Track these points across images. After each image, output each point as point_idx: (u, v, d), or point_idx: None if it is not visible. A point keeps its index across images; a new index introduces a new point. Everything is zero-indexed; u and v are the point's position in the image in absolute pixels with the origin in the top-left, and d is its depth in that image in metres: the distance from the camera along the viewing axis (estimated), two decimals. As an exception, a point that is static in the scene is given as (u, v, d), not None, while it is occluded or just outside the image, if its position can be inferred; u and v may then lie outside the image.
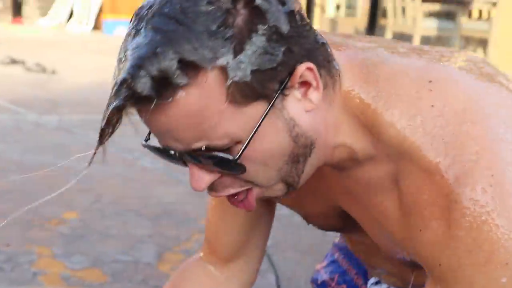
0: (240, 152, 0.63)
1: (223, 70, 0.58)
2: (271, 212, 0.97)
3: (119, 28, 8.52)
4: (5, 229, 1.91)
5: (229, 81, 0.59)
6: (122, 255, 2.32)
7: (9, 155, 3.29)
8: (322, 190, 0.85)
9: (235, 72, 0.59)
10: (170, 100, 0.57)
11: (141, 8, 0.63)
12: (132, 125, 0.67)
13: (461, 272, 0.66)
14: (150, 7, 0.61)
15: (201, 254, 1.03)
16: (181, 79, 0.56)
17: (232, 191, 0.70)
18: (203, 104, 0.59)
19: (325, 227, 0.97)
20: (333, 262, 1.18)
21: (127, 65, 0.59)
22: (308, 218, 0.96)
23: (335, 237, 1.23)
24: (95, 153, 0.63)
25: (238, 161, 0.63)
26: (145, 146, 0.71)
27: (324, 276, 1.18)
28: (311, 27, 0.66)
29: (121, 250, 2.37)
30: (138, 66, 0.57)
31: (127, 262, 2.27)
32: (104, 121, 0.60)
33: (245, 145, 0.63)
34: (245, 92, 0.60)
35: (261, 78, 0.61)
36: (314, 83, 0.64)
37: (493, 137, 0.64)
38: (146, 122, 0.64)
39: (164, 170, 3.23)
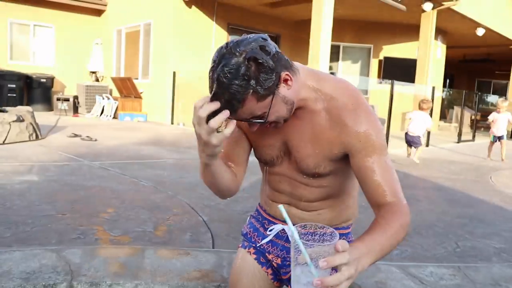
0: (265, 118, 1.00)
1: (254, 92, 0.93)
2: (250, 150, 1.25)
3: (126, 117, 10.26)
4: (78, 218, 2.91)
5: (257, 95, 0.94)
6: (137, 228, 2.84)
7: (76, 182, 3.95)
8: (278, 129, 1.13)
9: (259, 91, 0.94)
10: (241, 107, 0.94)
11: (212, 63, 0.95)
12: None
13: (369, 135, 1.05)
14: (215, 67, 0.93)
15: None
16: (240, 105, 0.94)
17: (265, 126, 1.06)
18: (250, 106, 0.95)
19: (267, 157, 1.21)
20: (251, 223, 1.41)
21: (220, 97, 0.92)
22: (259, 148, 1.21)
23: (251, 216, 1.43)
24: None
25: (266, 120, 1.00)
26: (231, 118, 0.94)
27: (246, 230, 1.41)
28: (281, 52, 0.97)
29: (136, 226, 2.87)
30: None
31: (140, 231, 2.77)
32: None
33: (267, 114, 0.99)
34: (263, 96, 0.95)
35: (268, 89, 0.95)
36: (289, 79, 0.99)
37: (363, 98, 1.10)
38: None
39: (154, 186, 4.00)
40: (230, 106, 0.93)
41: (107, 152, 5.76)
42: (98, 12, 12.56)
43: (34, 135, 6.35)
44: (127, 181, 4.19)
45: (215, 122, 0.90)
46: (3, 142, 5.81)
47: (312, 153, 1.13)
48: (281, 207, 0.90)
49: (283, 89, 0.99)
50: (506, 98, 7.80)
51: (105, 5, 12.28)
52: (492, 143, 8.01)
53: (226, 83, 0.91)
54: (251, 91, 0.93)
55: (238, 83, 0.91)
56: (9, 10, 11.31)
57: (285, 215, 0.88)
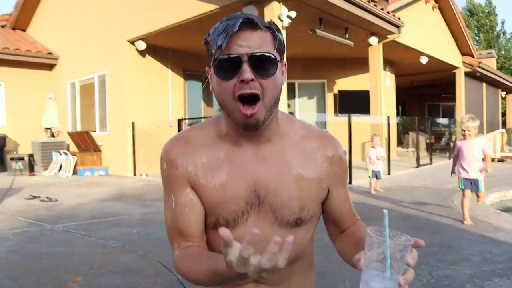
0: (279, 59, 0.94)
1: (272, 33, 0.94)
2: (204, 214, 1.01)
3: (86, 172, 9.94)
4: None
5: (274, 38, 0.94)
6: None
7: (39, 250, 3.78)
8: (245, 168, 0.98)
9: (276, 41, 0.94)
10: (263, 29, 0.91)
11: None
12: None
13: (345, 163, 1.08)
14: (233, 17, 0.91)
15: (177, 247, 1.01)
16: (266, 29, 0.92)
17: (255, 91, 0.90)
18: (265, 38, 0.92)
19: (230, 216, 0.98)
20: None
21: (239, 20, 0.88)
22: (217, 208, 0.98)
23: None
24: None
25: (274, 66, 0.92)
26: (220, 57, 0.89)
27: None
28: None
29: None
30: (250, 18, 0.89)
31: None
32: (232, 29, 0.87)
33: (279, 59, 0.94)
34: (278, 46, 0.94)
35: (280, 45, 0.95)
36: (285, 71, 1.00)
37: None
38: (240, 38, 0.89)
39: (122, 246, 3.89)
40: (250, 23, 0.91)
41: (70, 213, 5.55)
42: (50, 66, 12.38)
43: (-12, 201, 6.02)
44: (94, 243, 4.03)
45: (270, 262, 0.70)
46: (-45, 212, 5.47)
47: (297, 193, 1.00)
48: (385, 212, 0.82)
49: (282, 74, 0.99)
50: (473, 117, 4.69)
51: (56, 59, 12.14)
52: (465, 190, 4.70)
53: (252, 16, 0.93)
54: (272, 31, 0.95)
55: (263, 21, 0.94)
56: (-46, 71, 10.95)
57: (386, 221, 0.84)
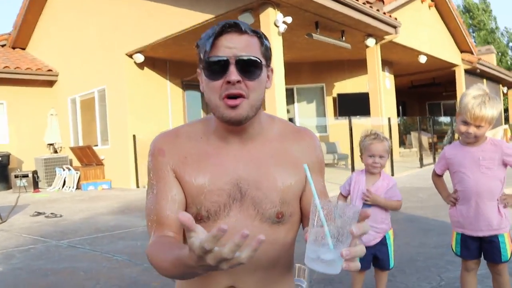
0: (264, 64, 0.98)
1: (260, 41, 0.99)
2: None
3: (89, 187, 9.92)
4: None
5: (260, 43, 0.99)
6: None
7: (45, 267, 3.75)
8: (229, 163, 1.02)
9: (263, 47, 0.99)
10: (249, 34, 0.96)
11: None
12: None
13: (321, 151, 1.11)
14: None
15: (155, 235, 0.99)
16: (253, 34, 0.97)
17: (241, 92, 0.94)
18: (253, 42, 0.97)
19: (211, 208, 0.99)
20: None
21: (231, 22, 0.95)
22: (199, 198, 0.99)
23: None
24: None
25: (260, 70, 0.97)
26: (209, 59, 0.94)
27: None
28: None
29: None
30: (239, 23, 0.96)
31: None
32: (217, 30, 0.95)
33: (264, 64, 0.99)
34: (263, 52, 0.99)
35: (266, 55, 1.00)
36: (271, 76, 1.03)
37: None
38: (227, 40, 0.95)
39: (128, 259, 3.86)
40: (236, 26, 0.96)
41: (74, 228, 5.52)
42: (50, 83, 12.41)
43: (-7, 220, 6.02)
44: (99, 257, 3.99)
45: (230, 251, 0.67)
46: (-40, 233, 5.46)
47: (277, 186, 1.02)
48: (305, 166, 0.86)
49: (268, 78, 1.04)
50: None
51: (56, 76, 12.17)
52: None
53: (239, 21, 0.98)
54: (258, 36, 1.00)
55: (252, 29, 0.99)
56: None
57: (308, 174, 0.85)
